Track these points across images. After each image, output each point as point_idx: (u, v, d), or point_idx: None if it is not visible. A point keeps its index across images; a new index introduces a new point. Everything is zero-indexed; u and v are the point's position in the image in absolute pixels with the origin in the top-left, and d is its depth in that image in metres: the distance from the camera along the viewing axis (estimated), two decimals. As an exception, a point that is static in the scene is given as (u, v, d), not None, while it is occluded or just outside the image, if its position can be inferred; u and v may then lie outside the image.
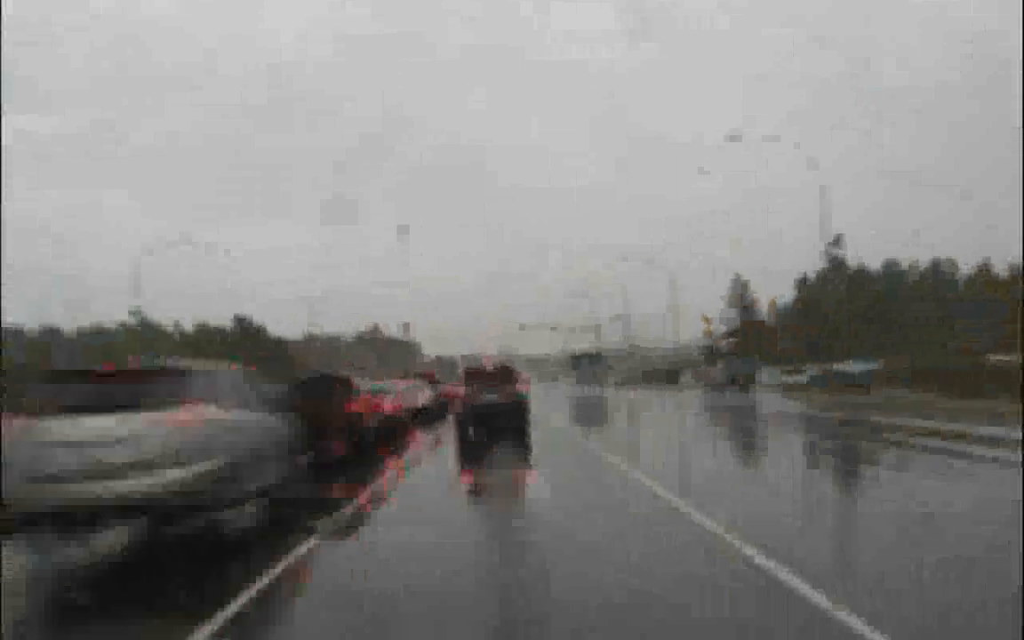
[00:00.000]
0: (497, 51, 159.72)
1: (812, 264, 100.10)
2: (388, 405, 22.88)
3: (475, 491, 13.86)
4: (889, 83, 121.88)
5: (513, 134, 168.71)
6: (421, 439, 23.99)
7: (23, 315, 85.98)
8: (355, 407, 18.81)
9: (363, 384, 21.18)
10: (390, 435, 22.39)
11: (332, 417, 17.81)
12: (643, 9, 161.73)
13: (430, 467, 17.97)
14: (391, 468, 17.30)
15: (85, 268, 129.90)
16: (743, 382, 63.92)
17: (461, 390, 23.80)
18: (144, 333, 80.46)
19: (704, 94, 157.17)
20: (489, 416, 22.17)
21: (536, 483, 14.33)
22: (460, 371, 28.54)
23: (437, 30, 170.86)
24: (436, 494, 13.69)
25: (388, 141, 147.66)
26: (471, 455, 19.27)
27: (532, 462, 17.49)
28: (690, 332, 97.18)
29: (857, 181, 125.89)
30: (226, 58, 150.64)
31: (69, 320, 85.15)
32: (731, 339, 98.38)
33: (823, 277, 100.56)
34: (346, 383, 19.56)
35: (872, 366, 50.56)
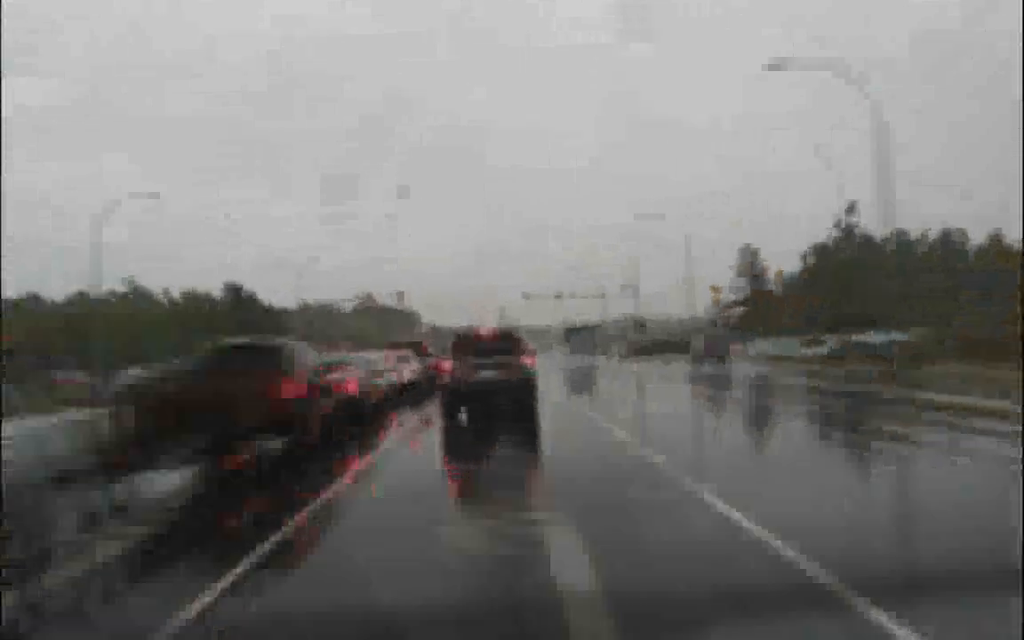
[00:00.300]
0: (500, 35, 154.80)
1: (819, 238, 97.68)
2: (352, 384, 18.66)
3: (463, 509, 10.37)
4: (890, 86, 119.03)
5: (514, 116, 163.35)
6: (406, 422, 20.04)
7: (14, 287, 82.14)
8: (290, 389, 13.93)
9: (311, 357, 16.35)
10: (357, 420, 18.39)
11: (243, 407, 12.95)
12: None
13: (408, 465, 14.22)
14: (349, 470, 13.13)
15: (83, 238, 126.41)
16: (720, 355, 63.80)
17: (449, 364, 18.81)
18: (136, 302, 77.61)
19: (708, 79, 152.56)
20: (484, 397, 17.83)
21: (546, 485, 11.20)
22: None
23: (438, 14, 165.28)
24: (405, 517, 9.53)
25: (388, 122, 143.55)
26: (461, 454, 15.24)
27: (543, 468, 13.31)
28: (700, 305, 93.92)
29: (861, 176, 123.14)
30: (225, 42, 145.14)
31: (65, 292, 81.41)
32: (740, 308, 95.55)
33: (836, 245, 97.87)
34: (275, 355, 14.74)
35: (897, 337, 47.30)
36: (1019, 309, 43.54)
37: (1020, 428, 13.90)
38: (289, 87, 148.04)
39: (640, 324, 72.77)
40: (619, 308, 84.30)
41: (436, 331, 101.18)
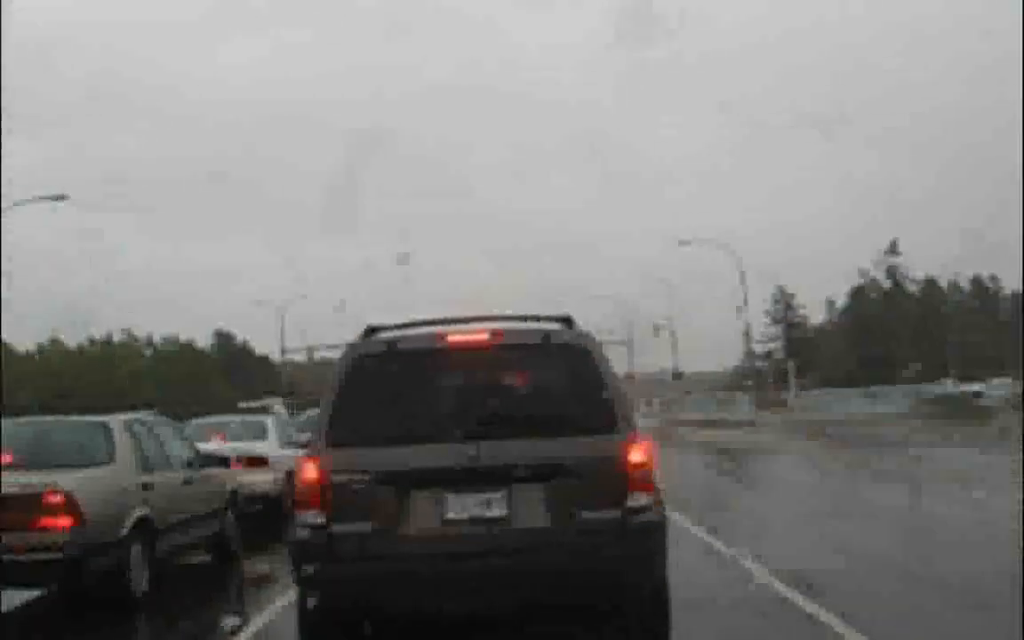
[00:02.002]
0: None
1: (843, 282, 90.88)
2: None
3: None
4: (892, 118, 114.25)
5: (508, 157, 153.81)
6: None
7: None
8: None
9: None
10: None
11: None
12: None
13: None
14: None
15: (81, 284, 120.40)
16: None
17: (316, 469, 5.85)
18: (108, 350, 71.11)
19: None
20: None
21: None
22: None
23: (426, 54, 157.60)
24: None
25: (381, 160, 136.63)
26: None
27: None
28: (730, 353, 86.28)
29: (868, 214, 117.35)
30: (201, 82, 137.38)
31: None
32: (773, 359, 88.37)
33: (877, 287, 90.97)
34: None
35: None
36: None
37: None
38: (272, 120, 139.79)
39: (677, 375, 65.49)
40: (645, 356, 76.68)
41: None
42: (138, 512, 8.00)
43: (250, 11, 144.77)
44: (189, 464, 9.51)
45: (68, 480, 7.45)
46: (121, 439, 8.40)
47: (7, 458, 7.71)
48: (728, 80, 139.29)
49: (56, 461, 8.01)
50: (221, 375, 76.21)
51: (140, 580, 7.96)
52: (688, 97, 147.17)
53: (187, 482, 9.27)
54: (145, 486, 8.33)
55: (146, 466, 8.58)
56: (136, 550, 7.90)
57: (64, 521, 7.20)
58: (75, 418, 9.62)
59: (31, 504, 7.20)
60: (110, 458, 8.16)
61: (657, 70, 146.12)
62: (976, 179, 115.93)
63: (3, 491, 7.13)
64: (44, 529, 7.18)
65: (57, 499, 7.21)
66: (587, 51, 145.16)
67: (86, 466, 7.95)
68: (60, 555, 7.14)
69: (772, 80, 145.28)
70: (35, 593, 8.35)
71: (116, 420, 8.80)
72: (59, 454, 8.24)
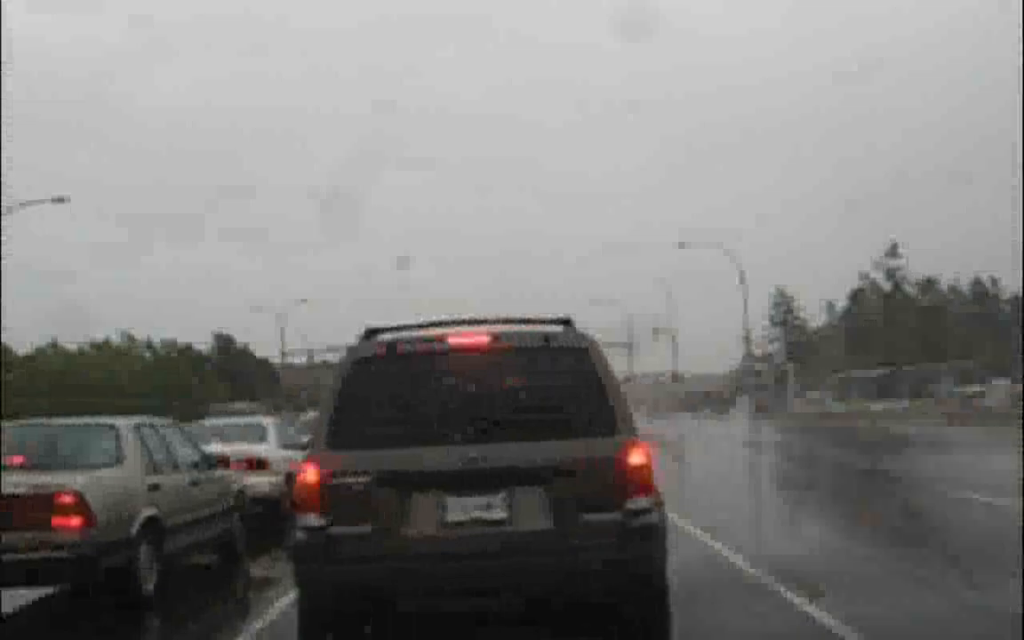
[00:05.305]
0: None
1: (845, 284, 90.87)
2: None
3: None
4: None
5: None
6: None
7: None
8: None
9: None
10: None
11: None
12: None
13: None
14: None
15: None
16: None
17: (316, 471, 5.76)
18: (104, 352, 71.02)
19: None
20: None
21: None
22: None
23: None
24: None
25: (381, 164, 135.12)
26: None
27: None
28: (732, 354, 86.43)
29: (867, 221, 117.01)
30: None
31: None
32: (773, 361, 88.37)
33: (877, 289, 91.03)
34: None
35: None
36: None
37: None
38: (270, 110, 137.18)
39: (677, 377, 65.67)
40: (645, 359, 76.90)
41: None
42: (146, 512, 8.15)
43: (254, 17, 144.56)
44: (196, 466, 9.67)
45: (79, 481, 7.59)
46: (129, 441, 8.55)
47: (19, 460, 7.88)
48: (728, 81, 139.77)
49: (66, 463, 8.17)
50: (221, 378, 76.21)
51: (148, 579, 8.10)
52: (687, 97, 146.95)
53: (194, 483, 9.41)
54: (153, 487, 8.47)
55: (154, 467, 8.73)
56: (144, 549, 8.04)
57: (75, 521, 7.34)
58: (85, 420, 9.77)
59: (43, 504, 7.34)
60: (119, 460, 8.31)
61: (654, 70, 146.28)
62: (976, 180, 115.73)
63: (15, 491, 7.29)
64: (55, 529, 7.33)
65: (68, 499, 7.36)
66: (592, 39, 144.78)
67: (96, 467, 8.10)
68: (71, 554, 7.29)
69: (772, 81, 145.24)
70: (44, 591, 8.51)
71: (125, 423, 8.96)
72: (69, 456, 8.39)
